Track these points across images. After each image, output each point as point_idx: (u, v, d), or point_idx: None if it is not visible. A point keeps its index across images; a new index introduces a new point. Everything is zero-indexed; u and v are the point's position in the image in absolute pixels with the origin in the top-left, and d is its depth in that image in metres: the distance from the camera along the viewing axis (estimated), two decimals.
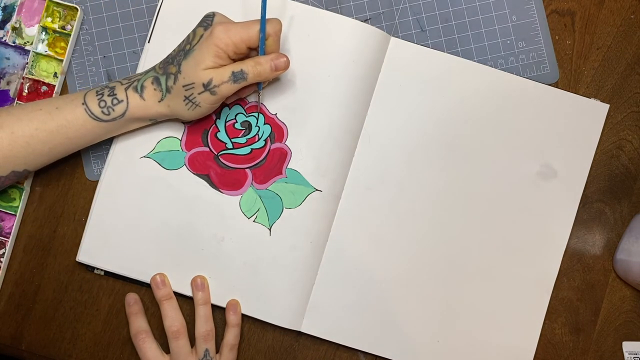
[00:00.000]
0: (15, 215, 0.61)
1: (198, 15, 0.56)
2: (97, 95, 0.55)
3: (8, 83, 0.62)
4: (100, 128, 0.55)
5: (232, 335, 0.60)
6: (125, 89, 0.55)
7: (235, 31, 0.53)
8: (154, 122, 0.58)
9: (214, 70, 0.53)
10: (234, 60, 0.54)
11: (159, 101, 0.55)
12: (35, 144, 0.54)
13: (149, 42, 0.61)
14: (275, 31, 0.54)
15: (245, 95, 0.60)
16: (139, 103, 0.55)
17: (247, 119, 0.61)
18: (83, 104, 0.54)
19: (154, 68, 0.56)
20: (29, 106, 0.55)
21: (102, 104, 0.54)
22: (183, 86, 0.54)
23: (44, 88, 0.61)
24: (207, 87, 0.53)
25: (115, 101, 0.55)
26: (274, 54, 0.55)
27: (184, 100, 0.54)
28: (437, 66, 0.61)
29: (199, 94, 0.54)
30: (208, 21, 0.54)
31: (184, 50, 0.54)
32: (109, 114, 0.55)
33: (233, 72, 0.53)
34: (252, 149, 0.61)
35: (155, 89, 0.55)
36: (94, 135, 0.56)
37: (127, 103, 0.55)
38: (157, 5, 0.61)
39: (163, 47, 0.58)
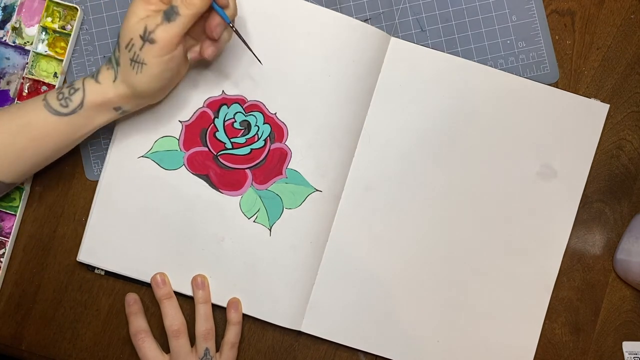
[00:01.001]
0: (15, 215, 0.61)
1: None
2: (56, 90, 0.54)
3: (8, 83, 0.62)
4: (63, 124, 0.54)
5: (232, 334, 0.60)
6: (83, 79, 0.54)
7: None
8: (122, 111, 0.56)
9: (146, 18, 0.51)
10: None
11: (114, 81, 0.54)
12: None
13: None
14: None
15: (216, 35, 0.54)
16: (95, 88, 0.54)
17: (247, 118, 0.60)
18: (43, 100, 0.54)
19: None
20: None
21: (60, 96, 0.54)
22: (125, 47, 0.52)
23: (44, 88, 0.61)
24: (144, 37, 0.51)
25: (72, 91, 0.54)
26: None
27: (130, 65, 0.52)
28: (437, 66, 0.61)
29: (140, 49, 0.52)
30: None
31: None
32: (67, 106, 0.54)
33: (164, 12, 0.51)
34: (251, 149, 0.60)
35: (108, 69, 0.54)
36: (59, 134, 0.54)
37: (83, 90, 0.54)
38: None
39: None
